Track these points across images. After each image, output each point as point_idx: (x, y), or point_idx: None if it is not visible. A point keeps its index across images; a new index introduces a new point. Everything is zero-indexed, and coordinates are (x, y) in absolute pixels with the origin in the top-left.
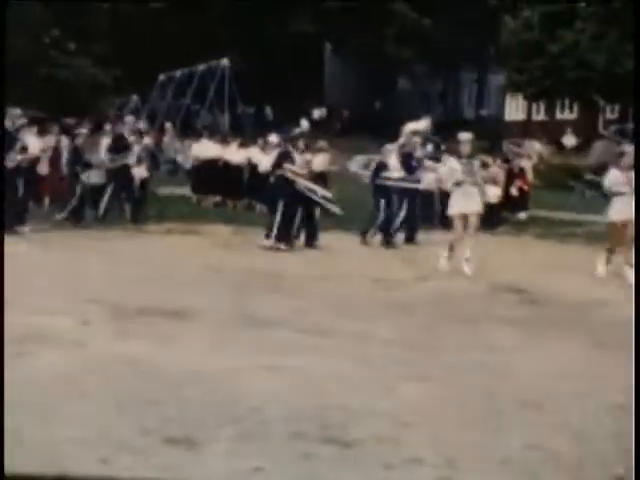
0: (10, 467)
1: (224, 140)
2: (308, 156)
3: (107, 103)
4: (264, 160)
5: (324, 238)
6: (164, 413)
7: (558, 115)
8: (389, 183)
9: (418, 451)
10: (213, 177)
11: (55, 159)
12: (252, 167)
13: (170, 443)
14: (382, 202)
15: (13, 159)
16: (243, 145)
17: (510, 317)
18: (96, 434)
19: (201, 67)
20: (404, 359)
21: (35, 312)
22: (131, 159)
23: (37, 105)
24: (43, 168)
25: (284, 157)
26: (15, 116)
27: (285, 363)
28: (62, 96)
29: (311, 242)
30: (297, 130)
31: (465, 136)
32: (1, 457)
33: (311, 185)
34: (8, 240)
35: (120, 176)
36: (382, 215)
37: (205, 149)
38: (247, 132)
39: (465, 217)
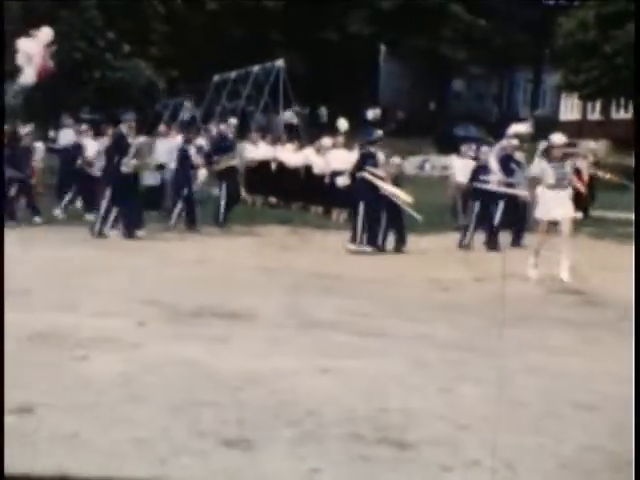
0: (72, 469)
1: (278, 141)
2: (396, 159)
3: (162, 105)
4: (319, 161)
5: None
6: (221, 415)
7: (613, 115)
8: (488, 186)
9: (475, 453)
10: (267, 178)
11: None
12: (307, 169)
13: (227, 445)
14: (477, 205)
15: (127, 164)
16: (298, 146)
17: (567, 318)
18: (154, 435)
19: (256, 68)
20: (461, 361)
21: (94, 314)
22: (236, 160)
23: (92, 108)
24: (97, 170)
25: (366, 159)
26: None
27: (342, 365)
28: (117, 98)
29: (400, 247)
30: (378, 133)
31: (558, 138)
32: (1, 457)
33: (393, 189)
34: (74, 246)
35: (228, 178)
36: (478, 219)
37: (259, 150)
38: (302, 133)
39: (554, 222)
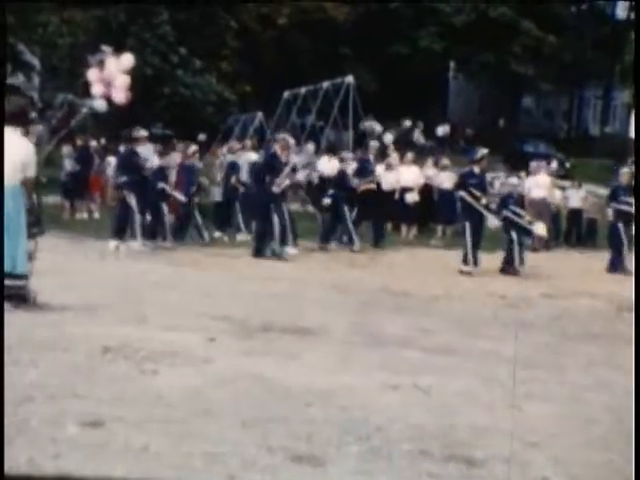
0: None
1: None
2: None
3: (233, 120)
4: (388, 178)
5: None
6: (291, 430)
7: None
8: (628, 208)
9: (544, 471)
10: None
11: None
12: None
13: (296, 460)
14: (621, 227)
15: (280, 183)
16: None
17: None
18: (224, 450)
19: (326, 84)
20: (530, 377)
21: (165, 328)
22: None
23: (163, 123)
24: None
25: (468, 178)
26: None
27: (410, 382)
28: (188, 113)
29: (509, 268)
30: (481, 151)
31: None
32: (1, 457)
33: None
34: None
35: (368, 199)
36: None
37: (329, 166)
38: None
39: None
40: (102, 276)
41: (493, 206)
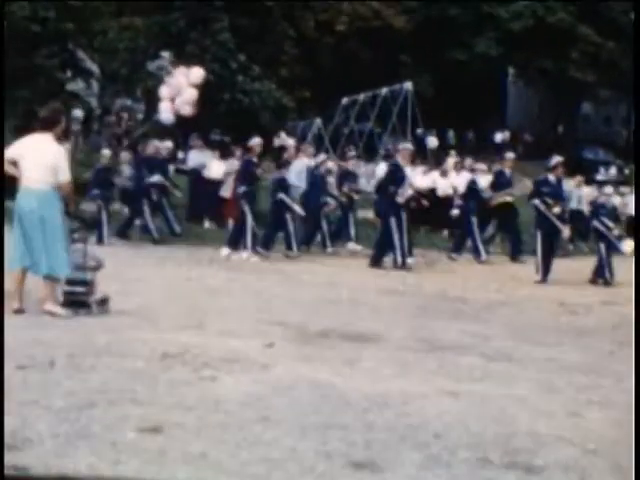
0: None
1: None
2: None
3: (291, 127)
4: (444, 184)
5: None
6: (349, 437)
7: None
8: None
9: (604, 478)
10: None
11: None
12: (432, 191)
13: (355, 467)
14: None
15: (403, 194)
16: (426, 169)
17: None
18: (282, 456)
19: (384, 90)
20: (589, 384)
21: (223, 334)
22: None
23: (222, 129)
24: (226, 191)
25: (542, 186)
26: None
27: (469, 388)
28: (246, 120)
29: (598, 279)
30: (556, 159)
31: None
32: (1, 457)
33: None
34: (203, 266)
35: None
36: None
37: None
38: (428, 156)
39: None
40: (161, 282)
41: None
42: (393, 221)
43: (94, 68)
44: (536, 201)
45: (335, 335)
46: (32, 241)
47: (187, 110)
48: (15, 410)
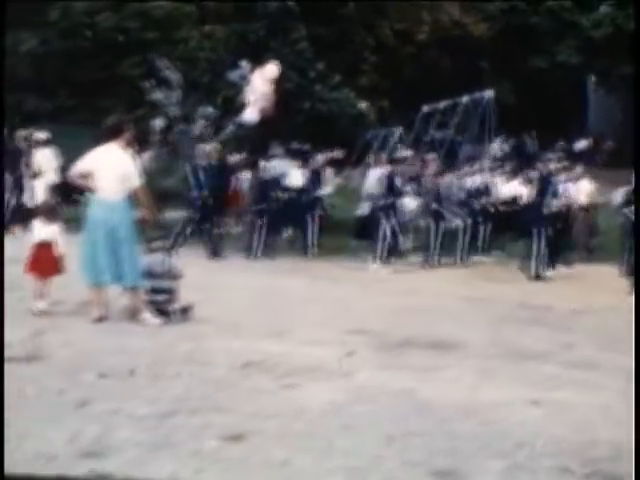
0: None
1: (487, 172)
2: None
3: (371, 135)
4: (527, 192)
5: None
6: (431, 445)
7: None
8: None
9: None
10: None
11: None
12: (514, 199)
13: (438, 475)
14: None
15: (550, 204)
16: (507, 177)
17: None
18: (365, 465)
19: (465, 99)
20: None
21: (303, 343)
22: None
23: (301, 138)
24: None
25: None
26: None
27: (552, 397)
28: (325, 128)
29: None
30: None
31: None
32: (1, 457)
33: None
34: (282, 275)
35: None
36: None
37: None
38: (508, 164)
39: None
40: (242, 291)
41: None
42: (539, 230)
43: (176, 77)
44: (625, 210)
45: (416, 343)
46: (101, 252)
47: (269, 108)
48: (97, 418)
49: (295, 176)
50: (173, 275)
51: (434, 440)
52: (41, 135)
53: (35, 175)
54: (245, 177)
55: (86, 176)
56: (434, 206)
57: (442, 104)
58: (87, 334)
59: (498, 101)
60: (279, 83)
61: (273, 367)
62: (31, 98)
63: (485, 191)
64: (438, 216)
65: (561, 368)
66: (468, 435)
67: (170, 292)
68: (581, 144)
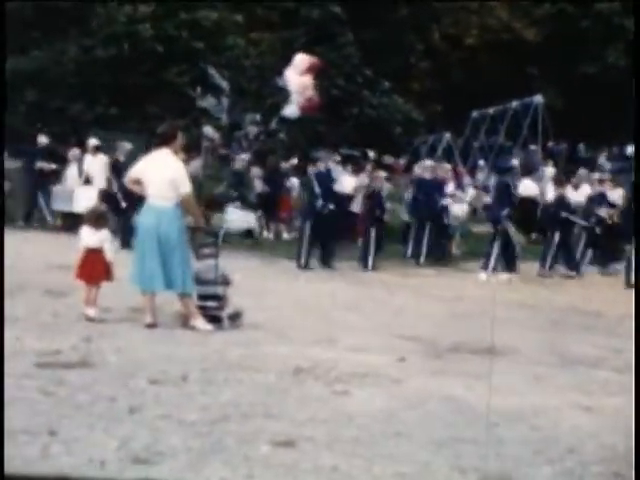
0: None
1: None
2: None
3: (420, 141)
4: (576, 197)
5: None
6: (481, 451)
7: None
8: None
9: None
10: (529, 214)
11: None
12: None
13: None
14: None
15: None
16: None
17: None
18: (415, 471)
19: (514, 104)
20: None
21: (354, 349)
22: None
23: (350, 144)
24: (357, 206)
25: None
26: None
27: (603, 403)
28: (375, 134)
29: None
30: None
31: None
32: (1, 457)
33: None
34: (331, 280)
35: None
36: None
37: (523, 187)
38: (559, 169)
39: None
40: (292, 297)
41: None
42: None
43: (223, 84)
44: None
45: (466, 349)
46: (152, 258)
47: (309, 100)
48: (149, 424)
49: (346, 182)
50: (223, 281)
51: (484, 446)
52: (92, 142)
53: (86, 182)
54: (293, 183)
55: (139, 183)
56: (563, 214)
57: (492, 110)
58: (138, 340)
59: (547, 106)
60: (317, 73)
61: (323, 373)
62: (77, 106)
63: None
64: (565, 225)
65: (612, 373)
66: (518, 441)
67: (221, 298)
68: (630, 149)
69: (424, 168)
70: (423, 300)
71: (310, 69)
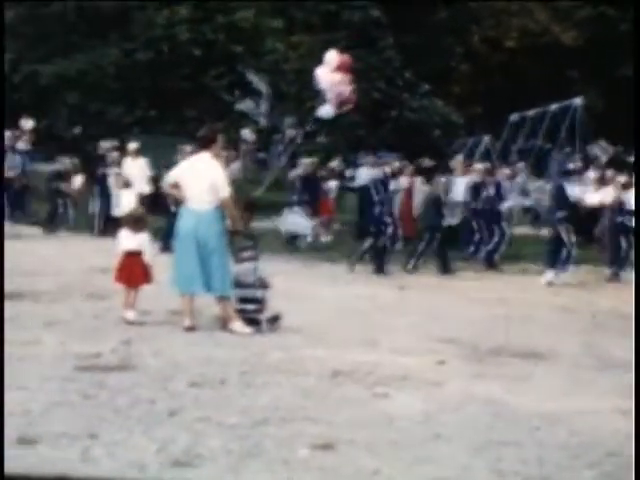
0: None
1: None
2: None
3: (459, 144)
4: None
5: None
6: (521, 454)
7: None
8: None
9: None
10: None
11: (408, 200)
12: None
13: None
14: None
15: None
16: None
17: None
18: (455, 474)
19: (553, 107)
20: None
21: (394, 352)
22: None
23: (390, 147)
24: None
25: None
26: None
27: None
28: (414, 137)
29: None
30: None
31: None
32: (1, 457)
33: None
34: (370, 284)
35: None
36: None
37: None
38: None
39: None
40: (331, 299)
41: None
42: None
43: (263, 88)
44: None
45: (507, 352)
46: (191, 261)
47: (343, 97)
48: (188, 427)
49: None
50: (262, 284)
51: (524, 450)
52: (132, 146)
53: (126, 185)
54: (331, 186)
55: (178, 186)
56: (621, 219)
57: (531, 112)
58: (177, 343)
59: (587, 109)
60: (348, 71)
61: (363, 376)
62: (117, 109)
63: None
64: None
65: None
66: (558, 445)
67: (260, 301)
68: None
69: (477, 171)
70: (464, 303)
71: (341, 67)
